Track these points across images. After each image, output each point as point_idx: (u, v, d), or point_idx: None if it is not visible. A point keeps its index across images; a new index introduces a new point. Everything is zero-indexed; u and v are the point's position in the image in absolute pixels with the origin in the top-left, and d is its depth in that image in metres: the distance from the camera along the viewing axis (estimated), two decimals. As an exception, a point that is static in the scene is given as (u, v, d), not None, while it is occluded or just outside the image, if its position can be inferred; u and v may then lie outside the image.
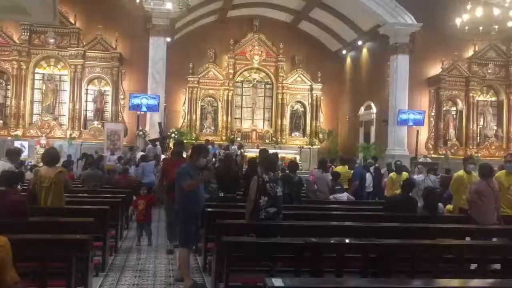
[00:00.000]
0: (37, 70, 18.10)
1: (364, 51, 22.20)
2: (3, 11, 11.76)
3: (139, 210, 8.23)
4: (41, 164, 14.08)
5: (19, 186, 6.63)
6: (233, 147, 18.19)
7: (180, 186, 5.77)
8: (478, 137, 19.75)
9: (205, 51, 22.62)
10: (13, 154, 7.73)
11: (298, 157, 20.55)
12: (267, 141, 22.35)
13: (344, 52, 23.81)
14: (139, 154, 15.57)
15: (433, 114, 19.33)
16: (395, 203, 6.90)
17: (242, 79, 23.32)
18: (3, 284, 2.64)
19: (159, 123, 17.45)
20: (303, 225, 5.51)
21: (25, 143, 16.71)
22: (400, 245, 4.84)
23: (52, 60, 18.09)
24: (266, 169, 5.73)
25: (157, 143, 16.36)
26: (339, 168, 10.95)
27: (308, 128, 23.26)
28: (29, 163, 14.42)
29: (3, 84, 17.90)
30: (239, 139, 21.65)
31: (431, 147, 19.20)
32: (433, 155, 18.48)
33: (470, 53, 19.56)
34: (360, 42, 21.90)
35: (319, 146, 22.84)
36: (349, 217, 6.78)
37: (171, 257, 7.54)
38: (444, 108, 19.52)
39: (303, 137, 23.22)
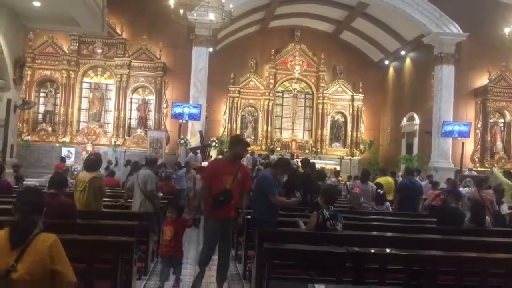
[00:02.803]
0: (84, 79, 18.76)
1: (407, 61, 21.86)
2: (55, 22, 12.31)
3: (164, 240, 5.91)
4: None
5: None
6: (272, 156, 18.21)
7: (271, 197, 5.83)
8: (527, 150, 19.02)
9: (246, 61, 22.86)
10: (153, 163, 8.20)
11: (338, 168, 20.35)
12: (307, 151, 22.27)
13: (386, 62, 23.51)
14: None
15: (479, 126, 18.77)
16: (443, 214, 6.73)
17: (282, 89, 23.40)
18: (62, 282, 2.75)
19: (200, 132, 17.70)
20: (346, 234, 5.44)
21: (72, 150, 17.30)
22: (445, 257, 4.71)
23: (99, 69, 18.71)
24: (327, 202, 5.47)
25: (198, 151, 16.60)
26: (381, 179, 10.79)
27: (348, 138, 23.04)
28: (76, 169, 14.90)
29: (53, 93, 18.62)
30: (278, 148, 21.68)
31: (477, 160, 18.63)
32: (479, 168, 17.91)
33: (518, 63, 18.94)
34: (403, 52, 21.59)
35: (359, 157, 22.57)
36: (391, 228, 6.65)
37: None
38: (491, 120, 18.92)
39: (344, 147, 23.01)
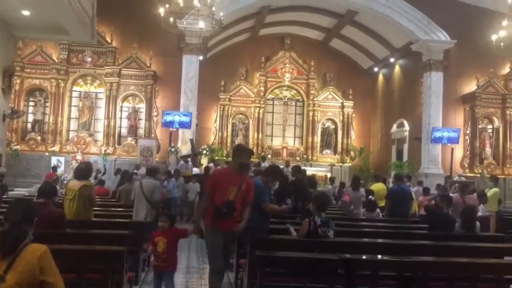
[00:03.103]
0: (74, 88, 18.65)
1: (397, 68, 22.05)
2: (45, 31, 12.26)
3: (157, 252, 5.45)
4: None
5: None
6: (263, 164, 18.18)
7: (263, 204, 5.78)
8: (516, 156, 19.20)
9: (237, 69, 22.90)
10: (155, 171, 8.31)
11: (329, 175, 20.39)
12: (297, 158, 22.29)
13: (376, 69, 23.69)
14: (142, 170, 15.82)
15: (468, 132, 18.93)
16: (435, 219, 6.77)
17: (273, 96, 23.45)
18: None
19: (191, 140, 17.67)
20: (338, 241, 5.44)
21: (62, 159, 17.16)
22: (436, 263, 4.72)
23: (89, 78, 18.62)
24: (318, 209, 5.48)
25: (189, 159, 16.56)
26: (375, 186, 10.87)
27: (339, 145, 23.11)
28: (66, 178, 14.80)
29: (42, 102, 18.48)
30: (269, 156, 21.68)
31: (466, 165, 18.77)
32: (468, 174, 18.04)
33: (506, 70, 19.18)
34: (392, 59, 21.77)
35: (350, 164, 22.63)
36: (382, 234, 6.68)
37: (203, 271, 7.57)
38: (480, 126, 19.10)
39: (334, 154, 23.07)
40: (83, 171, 6.68)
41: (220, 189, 5.16)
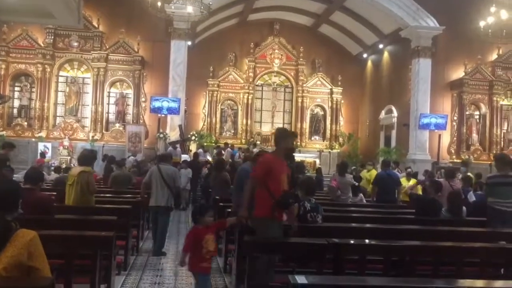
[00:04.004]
0: (61, 73, 18.42)
1: (385, 54, 22.06)
2: (30, 15, 12.00)
3: (208, 252, 4.64)
4: (64, 165, 14.48)
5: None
6: (255, 149, 18.17)
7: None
8: (502, 142, 19.43)
9: (226, 55, 22.75)
10: (168, 158, 8.47)
11: (318, 161, 20.48)
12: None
13: (365, 55, 23.68)
14: (138, 157, 15.79)
15: (455, 118, 19.08)
16: (422, 204, 6.85)
17: (262, 82, 23.37)
18: (37, 278, 2.69)
19: (180, 126, 17.60)
20: (325, 226, 5.48)
21: (49, 145, 17.01)
22: (422, 247, 4.78)
23: (75, 63, 18.39)
24: (307, 194, 5.45)
25: (177, 145, 16.51)
26: (371, 172, 11.01)
27: (328, 131, 23.17)
28: (53, 164, 14.68)
29: (28, 87, 18.24)
30: (258, 142, 21.67)
31: (453, 151, 18.95)
32: (455, 160, 18.22)
33: (494, 56, 19.28)
34: (381, 46, 21.77)
35: (339, 150, 22.72)
36: (370, 219, 6.73)
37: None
38: (467, 112, 19.26)
39: (323, 140, 23.13)
40: (86, 157, 6.73)
41: (273, 177, 4.82)
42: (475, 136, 19.34)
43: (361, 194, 9.58)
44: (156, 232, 7.74)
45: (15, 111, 18.25)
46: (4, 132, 17.23)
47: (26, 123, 17.97)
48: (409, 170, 12.39)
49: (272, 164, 4.93)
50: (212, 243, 4.67)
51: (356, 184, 9.87)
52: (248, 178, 5.75)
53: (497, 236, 5.81)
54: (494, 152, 18.79)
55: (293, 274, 4.06)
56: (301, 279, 2.71)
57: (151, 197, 7.78)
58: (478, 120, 19.55)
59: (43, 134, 17.58)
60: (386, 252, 4.63)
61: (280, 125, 23.25)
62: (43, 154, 15.73)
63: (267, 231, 4.80)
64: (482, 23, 14.39)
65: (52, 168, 13.16)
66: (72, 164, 15.03)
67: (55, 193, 7.63)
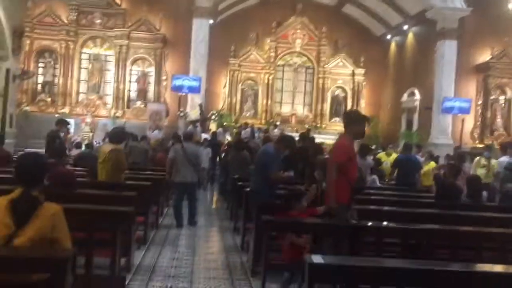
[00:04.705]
0: (84, 49, 18.58)
1: (410, 36, 21.63)
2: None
3: (307, 238, 4.65)
4: (86, 141, 14.73)
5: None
6: (275, 130, 18.17)
7: (269, 172, 5.87)
8: (527, 127, 19.02)
9: (247, 34, 22.58)
10: (191, 136, 8.83)
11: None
12: (306, 125, 22.18)
13: (388, 36, 23.26)
14: (155, 133, 15.75)
15: (480, 102, 18.70)
16: (441, 188, 6.79)
17: (283, 62, 23.18)
18: (59, 250, 2.78)
19: (200, 105, 17.65)
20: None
21: (72, 121, 17.20)
22: (440, 230, 4.75)
23: (98, 40, 18.52)
24: (325, 175, 5.32)
25: (198, 124, 16.59)
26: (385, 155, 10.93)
27: (348, 113, 22.93)
28: (75, 140, 14.93)
29: (52, 63, 18.47)
30: (278, 123, 21.62)
31: (476, 136, 18.62)
32: (478, 145, 17.92)
33: (522, 39, 18.74)
34: (405, 27, 21.34)
35: (359, 132, 22.51)
36: (388, 202, 6.71)
37: (210, 234, 7.72)
38: (492, 97, 18.83)
39: (343, 122, 22.91)
40: (116, 135, 6.92)
41: (353, 163, 4.77)
42: (499, 121, 18.93)
43: (374, 176, 9.52)
44: (179, 206, 8.09)
45: (39, 87, 18.53)
46: (28, 108, 17.54)
47: (49, 99, 18.24)
48: (429, 152, 12.20)
49: (351, 149, 4.87)
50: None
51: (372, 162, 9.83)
52: (269, 160, 5.78)
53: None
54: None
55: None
56: (317, 259, 2.73)
57: (177, 174, 8.07)
58: (503, 104, 19.12)
59: (66, 110, 17.84)
60: (403, 235, 4.63)
61: (301, 106, 23.19)
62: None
63: (346, 216, 4.69)
64: (510, 5, 14.02)
65: (74, 144, 13.37)
66: (94, 141, 15.26)
67: (78, 168, 7.79)
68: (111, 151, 6.60)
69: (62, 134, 9.74)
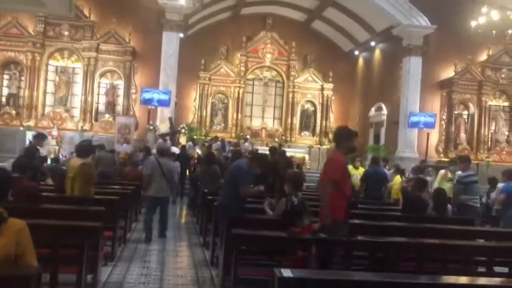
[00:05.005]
0: (50, 61, 18.24)
1: (377, 52, 22.14)
2: (21, 2, 11.89)
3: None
4: (52, 155, 14.41)
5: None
6: (246, 144, 18.24)
7: (241, 187, 5.92)
8: (490, 142, 19.63)
9: (218, 48, 22.67)
10: (167, 152, 9.16)
11: (307, 156, 20.55)
12: (276, 139, 22.35)
13: (356, 52, 23.75)
14: (125, 146, 15.66)
15: (444, 117, 19.23)
16: (408, 201, 6.93)
17: (253, 76, 23.34)
18: (24, 267, 2.70)
19: (170, 118, 17.54)
20: (313, 221, 5.51)
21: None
22: (407, 244, 4.84)
23: (65, 52, 18.22)
24: (294, 189, 5.52)
25: (167, 137, 16.47)
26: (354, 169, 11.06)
27: (318, 127, 23.25)
28: (41, 154, 14.56)
29: (17, 75, 18.04)
30: (248, 136, 21.68)
31: (441, 150, 19.10)
32: (443, 159, 18.37)
33: (483, 57, 19.43)
34: (373, 43, 21.83)
35: (328, 146, 22.76)
36: (357, 215, 6.78)
37: (179, 249, 7.64)
38: (456, 112, 19.41)
39: (313, 136, 23.21)
40: (85, 148, 6.81)
41: (346, 179, 4.90)
42: (463, 135, 19.50)
43: None
44: (149, 220, 8.15)
45: (3, 99, 18.06)
46: (-8, 120, 17.07)
47: (14, 111, 17.79)
48: (396, 166, 12.44)
49: (345, 165, 5.04)
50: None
51: None
52: (241, 175, 5.79)
53: (479, 234, 5.90)
54: (482, 152, 19.02)
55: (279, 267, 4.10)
56: (286, 273, 2.74)
57: (150, 187, 8.24)
58: (466, 119, 19.71)
59: (31, 123, 17.42)
60: (372, 248, 4.68)
61: (271, 120, 23.34)
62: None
63: (341, 232, 4.72)
64: (473, 23, 14.52)
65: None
66: (60, 154, 14.95)
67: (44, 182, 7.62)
68: (81, 165, 6.48)
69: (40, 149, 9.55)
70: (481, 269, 5.11)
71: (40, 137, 9.74)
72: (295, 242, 4.67)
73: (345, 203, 4.76)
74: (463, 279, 3.51)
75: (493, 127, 19.78)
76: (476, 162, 17.77)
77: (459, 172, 8.77)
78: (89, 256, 4.65)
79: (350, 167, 11.84)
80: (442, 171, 10.34)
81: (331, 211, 4.69)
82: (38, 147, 9.37)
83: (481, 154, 18.91)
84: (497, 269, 5.14)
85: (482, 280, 3.69)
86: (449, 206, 6.74)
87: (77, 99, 18.25)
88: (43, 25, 17.55)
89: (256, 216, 5.98)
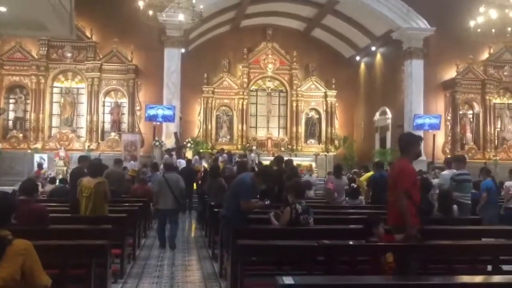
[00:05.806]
0: (55, 84, 18.49)
1: (378, 56, 22.20)
2: (23, 27, 12.08)
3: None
4: (60, 176, 14.51)
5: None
6: (252, 155, 18.31)
7: (242, 201, 5.92)
8: (496, 140, 19.55)
9: (219, 61, 22.85)
10: (172, 167, 9.54)
11: (314, 164, 20.53)
12: (282, 148, 22.40)
13: (357, 58, 23.82)
14: (132, 163, 15.80)
15: (449, 118, 19.20)
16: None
17: (256, 87, 23.47)
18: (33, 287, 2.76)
19: (175, 133, 17.66)
20: (318, 228, 5.55)
21: (45, 156, 17.04)
22: (413, 246, 4.83)
23: (69, 73, 18.46)
24: (297, 197, 5.61)
25: (173, 152, 16.56)
26: (367, 175, 11.04)
27: (323, 135, 23.28)
28: (49, 175, 14.72)
29: (23, 99, 18.29)
30: (254, 147, 21.75)
31: (448, 151, 19.04)
32: (450, 159, 18.28)
33: (485, 55, 19.43)
34: (373, 48, 21.90)
35: (335, 153, 22.80)
36: (363, 220, 6.78)
37: (188, 263, 7.67)
38: (461, 112, 19.38)
39: (319, 144, 23.23)
40: (97, 167, 6.92)
41: (417, 186, 4.88)
42: (469, 135, 19.45)
43: (361, 197, 9.65)
44: (162, 230, 8.87)
45: (10, 123, 18.29)
46: (0, 145, 17.27)
47: (21, 135, 18.01)
48: None
49: (415, 172, 5.02)
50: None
51: (355, 186, 9.95)
52: (245, 189, 5.80)
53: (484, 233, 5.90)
54: (489, 151, 18.94)
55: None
56: (288, 280, 2.78)
57: (159, 201, 8.77)
58: (471, 119, 19.67)
59: (38, 145, 17.61)
60: (376, 252, 4.69)
61: (276, 130, 23.40)
62: (40, 165, 15.80)
63: (417, 237, 4.68)
64: (472, 23, 14.52)
65: (48, 179, 13.19)
66: (68, 175, 15.03)
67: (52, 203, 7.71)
68: (97, 184, 6.61)
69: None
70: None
71: (83, 160, 9.54)
72: (299, 249, 4.69)
73: (415, 210, 4.72)
74: (478, 278, 3.51)
75: (499, 125, 19.72)
76: (484, 161, 17.69)
77: (454, 171, 9.05)
78: (98, 274, 4.70)
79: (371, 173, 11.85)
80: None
81: (408, 220, 4.59)
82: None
83: (488, 153, 18.84)
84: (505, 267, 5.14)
85: (495, 279, 3.69)
86: (454, 207, 6.73)
87: (82, 119, 18.44)
88: (46, 48, 17.81)
89: (261, 227, 6.00)
